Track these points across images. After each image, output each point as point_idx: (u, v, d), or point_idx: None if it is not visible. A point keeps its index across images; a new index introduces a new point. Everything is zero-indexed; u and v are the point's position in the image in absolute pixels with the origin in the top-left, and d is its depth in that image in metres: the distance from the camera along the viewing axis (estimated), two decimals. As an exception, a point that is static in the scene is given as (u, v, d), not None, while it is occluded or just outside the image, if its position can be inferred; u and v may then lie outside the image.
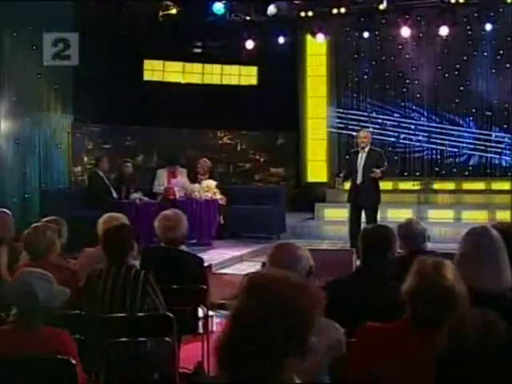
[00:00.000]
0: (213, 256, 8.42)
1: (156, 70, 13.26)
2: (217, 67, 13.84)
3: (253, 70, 14.04)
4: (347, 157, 9.51)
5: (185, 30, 13.18)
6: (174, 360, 3.73)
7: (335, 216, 11.93)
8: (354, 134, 13.55)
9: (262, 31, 13.00)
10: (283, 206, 10.73)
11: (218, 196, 9.80)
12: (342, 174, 8.71)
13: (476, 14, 12.51)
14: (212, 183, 9.82)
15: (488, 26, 11.96)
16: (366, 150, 8.47)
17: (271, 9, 11.40)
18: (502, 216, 11.04)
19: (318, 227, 11.21)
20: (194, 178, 10.08)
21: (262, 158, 14.12)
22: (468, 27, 12.79)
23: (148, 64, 13.12)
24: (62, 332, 2.94)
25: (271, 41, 13.15)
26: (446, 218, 11.30)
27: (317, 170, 13.92)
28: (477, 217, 11.08)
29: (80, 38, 10.94)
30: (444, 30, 12.00)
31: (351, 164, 8.55)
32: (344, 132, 13.73)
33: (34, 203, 10.24)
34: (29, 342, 2.87)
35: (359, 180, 8.32)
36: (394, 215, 11.70)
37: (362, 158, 8.39)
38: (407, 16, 12.45)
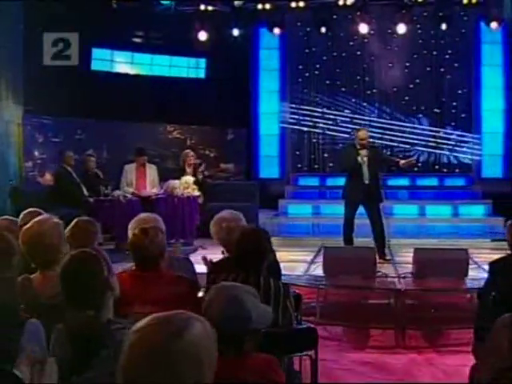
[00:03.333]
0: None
1: (104, 60, 12.51)
2: (165, 58, 13.28)
3: (201, 63, 13.61)
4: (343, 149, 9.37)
5: (133, 19, 12.60)
6: (316, 377, 3.38)
7: (299, 212, 11.85)
8: (305, 129, 13.59)
9: (215, 23, 12.63)
10: (257, 203, 10.43)
11: (197, 193, 9.35)
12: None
13: (425, 14, 12.82)
14: (190, 179, 9.35)
15: (443, 26, 12.23)
16: (367, 147, 8.37)
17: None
18: (466, 211, 11.40)
19: (287, 224, 11.02)
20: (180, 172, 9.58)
21: (211, 154, 13.73)
22: (418, 26, 13.04)
23: (96, 53, 12.34)
24: (272, 359, 2.50)
25: (223, 33, 12.83)
26: (411, 214, 11.47)
27: (269, 166, 13.70)
28: (441, 212, 11.33)
29: (29, 25, 10.21)
30: (401, 28, 12.16)
31: (351, 161, 8.35)
32: (296, 127, 13.62)
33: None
34: (236, 373, 2.42)
35: (367, 179, 8.21)
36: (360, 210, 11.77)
37: (364, 155, 8.25)
38: (359, 13, 12.50)
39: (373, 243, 8.13)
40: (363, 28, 12.33)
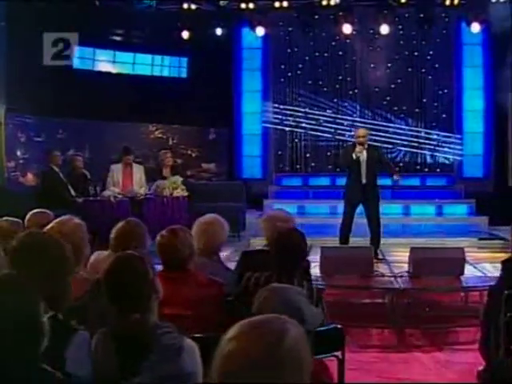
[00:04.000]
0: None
1: (86, 58, 12.34)
2: (147, 57, 13.16)
3: (183, 62, 13.51)
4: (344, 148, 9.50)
5: (115, 17, 12.48)
6: (343, 378, 3.36)
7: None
8: (288, 129, 13.60)
9: (198, 22, 12.56)
10: (244, 203, 10.39)
11: (185, 193, 9.29)
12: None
13: (407, 15, 12.93)
14: (178, 179, 9.28)
15: (425, 27, 12.35)
16: (365, 147, 8.39)
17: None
18: (449, 210, 11.52)
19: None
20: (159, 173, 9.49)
21: (193, 154, 13.66)
22: (400, 27, 13.14)
23: (78, 51, 12.13)
24: (323, 362, 2.49)
25: (205, 32, 12.76)
26: (395, 213, 11.54)
27: (251, 165, 13.67)
28: (425, 211, 11.43)
29: (11, 24, 10.02)
30: (384, 29, 12.25)
31: (347, 158, 8.40)
32: (279, 127, 13.61)
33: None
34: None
35: (364, 179, 8.25)
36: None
37: (362, 155, 8.28)
38: (342, 13, 12.54)
39: (368, 243, 8.17)
40: (346, 28, 12.39)
